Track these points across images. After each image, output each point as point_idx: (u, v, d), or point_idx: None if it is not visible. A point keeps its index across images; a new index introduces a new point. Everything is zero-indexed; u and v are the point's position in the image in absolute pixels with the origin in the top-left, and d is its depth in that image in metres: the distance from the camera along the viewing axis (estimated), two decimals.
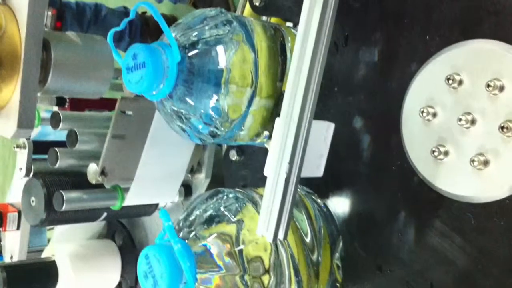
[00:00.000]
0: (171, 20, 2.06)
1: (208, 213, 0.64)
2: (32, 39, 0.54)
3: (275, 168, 0.54)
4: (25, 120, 0.54)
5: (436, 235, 0.60)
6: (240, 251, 0.59)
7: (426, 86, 0.61)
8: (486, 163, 0.56)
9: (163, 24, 0.58)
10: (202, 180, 0.92)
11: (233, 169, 0.85)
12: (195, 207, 0.65)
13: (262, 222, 0.54)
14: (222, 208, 0.64)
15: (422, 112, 0.60)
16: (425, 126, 0.60)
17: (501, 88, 0.55)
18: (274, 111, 0.65)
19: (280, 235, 0.53)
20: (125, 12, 1.97)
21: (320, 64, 0.57)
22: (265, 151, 0.79)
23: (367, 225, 0.67)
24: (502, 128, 0.54)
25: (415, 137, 0.61)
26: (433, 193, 0.60)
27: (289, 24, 0.82)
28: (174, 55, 0.58)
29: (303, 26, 0.57)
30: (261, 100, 0.63)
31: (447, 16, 0.60)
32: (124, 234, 1.02)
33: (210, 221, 0.63)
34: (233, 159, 0.84)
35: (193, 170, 0.90)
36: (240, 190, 0.68)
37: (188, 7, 1.97)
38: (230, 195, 0.65)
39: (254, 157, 0.83)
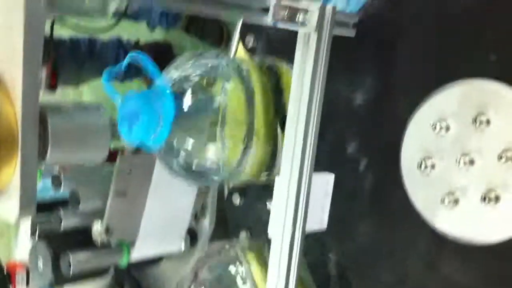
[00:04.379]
0: (164, 47, 2.06)
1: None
2: (28, 118, 0.53)
3: (279, 228, 0.54)
4: (27, 200, 0.54)
5: None
6: None
7: (417, 138, 0.61)
8: (497, 198, 0.55)
9: (157, 74, 0.59)
10: (206, 226, 0.92)
11: (237, 214, 0.84)
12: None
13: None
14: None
15: (420, 165, 0.60)
16: (427, 177, 0.60)
17: (487, 122, 0.55)
18: (273, 152, 0.66)
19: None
20: (118, 44, 1.97)
21: (317, 112, 0.58)
22: (267, 190, 0.78)
23: None
24: (500, 158, 0.54)
25: (420, 191, 0.61)
26: (451, 243, 0.59)
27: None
28: (169, 104, 0.59)
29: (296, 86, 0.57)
30: (259, 141, 0.63)
31: (421, 65, 0.61)
32: (132, 283, 1.02)
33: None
34: (236, 203, 0.84)
35: (197, 216, 0.90)
36: None
37: (181, 32, 1.97)
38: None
39: (258, 200, 0.82)
